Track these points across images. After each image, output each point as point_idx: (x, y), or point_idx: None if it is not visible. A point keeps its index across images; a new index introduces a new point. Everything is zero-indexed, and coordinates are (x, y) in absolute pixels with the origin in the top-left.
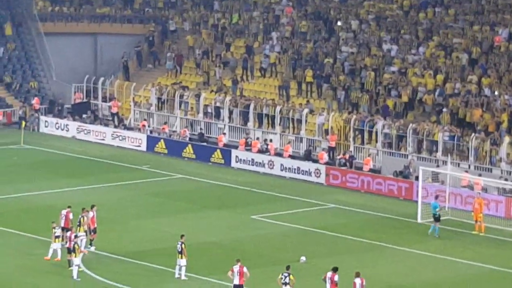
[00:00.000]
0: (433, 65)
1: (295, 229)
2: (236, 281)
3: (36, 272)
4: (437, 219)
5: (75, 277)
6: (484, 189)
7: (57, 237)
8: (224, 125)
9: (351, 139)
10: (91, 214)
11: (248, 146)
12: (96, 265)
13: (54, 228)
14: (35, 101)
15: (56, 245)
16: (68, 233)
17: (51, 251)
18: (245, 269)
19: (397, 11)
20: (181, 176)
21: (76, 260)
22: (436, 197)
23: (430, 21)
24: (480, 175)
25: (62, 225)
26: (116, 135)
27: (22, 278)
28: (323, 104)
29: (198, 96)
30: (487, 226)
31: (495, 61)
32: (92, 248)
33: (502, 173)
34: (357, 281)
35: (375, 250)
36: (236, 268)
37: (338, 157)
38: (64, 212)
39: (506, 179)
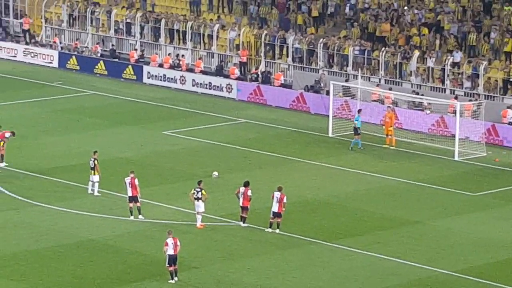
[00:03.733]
0: None
1: (207, 145)
2: (129, 193)
3: None
4: (356, 132)
5: None
6: (395, 103)
7: None
8: (136, 41)
9: (262, 54)
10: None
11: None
12: (9, 182)
13: None
14: None
15: None
16: None
17: None
18: (136, 181)
19: None
20: (93, 93)
21: None
22: (359, 111)
23: None
24: (390, 89)
25: None
26: (28, 51)
27: None
28: (234, 19)
29: (109, 12)
30: (397, 139)
31: None
32: (2, 165)
33: (412, 86)
34: (276, 194)
35: (286, 165)
36: (127, 179)
37: (250, 72)
38: None
39: (416, 93)
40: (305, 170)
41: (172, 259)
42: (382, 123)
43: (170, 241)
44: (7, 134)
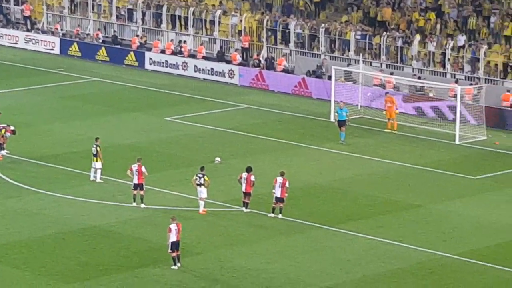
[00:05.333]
0: None
1: (209, 130)
2: (135, 180)
3: None
4: (339, 125)
5: None
6: (396, 87)
7: None
8: (138, 27)
9: (264, 40)
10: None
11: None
12: (11, 169)
13: None
14: None
15: None
16: None
17: None
18: (143, 169)
19: None
20: (95, 79)
21: None
22: (341, 103)
23: None
24: (392, 73)
25: None
26: (29, 38)
27: None
28: (235, 5)
29: None
30: (399, 124)
31: None
32: (4, 152)
33: (413, 71)
34: (279, 179)
35: (289, 150)
36: (134, 167)
37: (252, 58)
38: None
39: (418, 77)
40: (307, 155)
41: (175, 245)
42: (384, 107)
43: (173, 227)
44: (8, 134)
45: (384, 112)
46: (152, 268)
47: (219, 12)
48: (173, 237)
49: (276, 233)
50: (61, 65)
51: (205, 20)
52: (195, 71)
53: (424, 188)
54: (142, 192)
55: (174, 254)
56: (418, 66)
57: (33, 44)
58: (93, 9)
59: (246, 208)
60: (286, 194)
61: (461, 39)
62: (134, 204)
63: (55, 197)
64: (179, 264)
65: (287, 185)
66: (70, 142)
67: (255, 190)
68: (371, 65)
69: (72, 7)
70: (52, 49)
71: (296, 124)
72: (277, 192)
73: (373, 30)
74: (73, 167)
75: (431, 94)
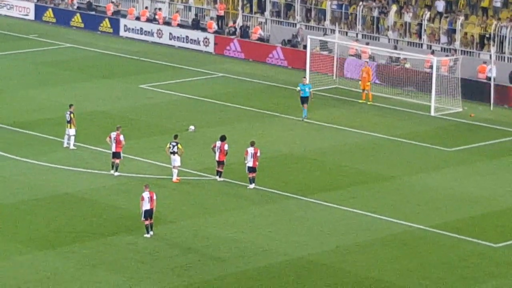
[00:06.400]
0: None
1: (183, 98)
2: (113, 148)
3: None
4: (301, 101)
5: None
6: (372, 58)
7: None
8: None
9: (239, 8)
10: None
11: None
12: None
13: None
14: None
15: None
16: None
17: None
18: (121, 137)
19: None
20: (70, 45)
21: None
22: (303, 79)
23: None
24: (367, 43)
25: None
26: (4, 4)
27: None
28: None
29: None
30: (374, 94)
31: None
32: None
33: (389, 41)
34: (250, 150)
35: (263, 119)
36: (113, 135)
37: (228, 26)
38: None
39: (394, 47)
40: (281, 124)
41: (148, 213)
42: (359, 78)
43: (146, 195)
44: None
45: (359, 82)
46: (124, 236)
47: None
48: (146, 205)
49: (249, 202)
50: (35, 31)
51: None
52: (170, 39)
53: (399, 159)
54: (117, 161)
55: (147, 222)
56: (394, 37)
57: (8, 9)
58: None
59: (219, 177)
60: (257, 163)
61: (440, 5)
62: (112, 171)
63: (28, 163)
64: (152, 233)
65: (258, 153)
66: (43, 109)
67: (228, 159)
68: (347, 35)
69: None
70: (27, 15)
71: (271, 93)
72: (249, 162)
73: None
74: (46, 133)
75: (407, 66)
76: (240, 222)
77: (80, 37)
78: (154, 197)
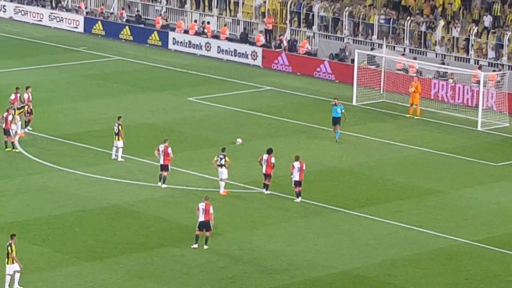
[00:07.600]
0: None
1: (231, 111)
2: (161, 161)
3: None
4: (333, 122)
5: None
6: (419, 72)
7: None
8: (162, 6)
9: (287, 22)
10: (25, 95)
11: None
12: (33, 146)
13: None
14: None
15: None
16: (5, 114)
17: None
18: (169, 150)
19: None
20: (118, 58)
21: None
22: (335, 100)
23: None
24: (415, 58)
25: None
26: (54, 16)
27: None
28: None
29: None
30: (422, 109)
31: None
32: (27, 129)
33: (436, 56)
34: (296, 164)
35: (310, 133)
36: (161, 147)
37: (275, 40)
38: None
39: (443, 63)
40: (328, 138)
41: (203, 225)
42: (408, 92)
43: (201, 205)
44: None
45: (408, 96)
46: (171, 248)
47: None
48: (200, 217)
49: (295, 215)
50: (84, 43)
51: (229, 1)
52: (218, 52)
53: (445, 174)
54: (165, 173)
55: (197, 233)
56: (441, 52)
57: (57, 22)
58: None
59: (266, 190)
60: (303, 177)
61: (487, 20)
62: (159, 184)
63: (76, 175)
64: (206, 246)
65: (304, 167)
66: (92, 121)
67: (275, 172)
68: (394, 49)
69: None
70: (76, 27)
71: (318, 107)
72: (296, 176)
73: (397, 14)
74: (94, 145)
75: (451, 81)
76: (286, 235)
77: (128, 49)
78: (211, 210)
